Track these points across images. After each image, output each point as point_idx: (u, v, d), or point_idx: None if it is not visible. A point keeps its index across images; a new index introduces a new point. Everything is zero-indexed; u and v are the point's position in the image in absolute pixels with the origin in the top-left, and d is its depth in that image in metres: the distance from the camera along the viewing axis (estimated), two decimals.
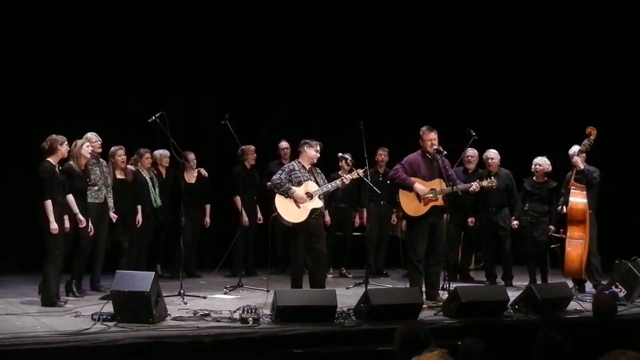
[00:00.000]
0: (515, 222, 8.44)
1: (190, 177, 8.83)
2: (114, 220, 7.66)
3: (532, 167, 8.29)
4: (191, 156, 8.76)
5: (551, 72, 10.99)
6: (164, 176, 8.67)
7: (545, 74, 11.01)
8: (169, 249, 8.79)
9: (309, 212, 7.00)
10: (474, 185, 7.39)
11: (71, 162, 6.93)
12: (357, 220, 9.45)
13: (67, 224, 6.77)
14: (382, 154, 9.36)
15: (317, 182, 7.16)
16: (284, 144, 9.32)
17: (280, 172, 7.20)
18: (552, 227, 8.11)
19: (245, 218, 8.86)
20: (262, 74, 10.18)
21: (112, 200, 7.65)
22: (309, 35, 10.31)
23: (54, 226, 6.48)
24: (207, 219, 9.04)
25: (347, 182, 7.29)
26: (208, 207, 9.05)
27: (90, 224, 7.12)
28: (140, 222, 8.04)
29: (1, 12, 8.71)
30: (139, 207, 8.06)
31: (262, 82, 10.18)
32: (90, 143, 7.34)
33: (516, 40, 10.94)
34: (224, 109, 8.16)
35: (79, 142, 7.01)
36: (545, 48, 10.96)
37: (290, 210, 6.99)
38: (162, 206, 8.47)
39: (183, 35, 9.61)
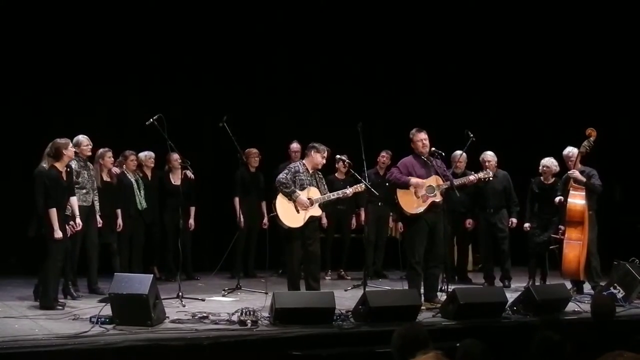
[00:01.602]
0: (527, 225, 8.35)
1: (176, 178, 8.78)
2: (100, 224, 7.61)
3: (540, 168, 8.24)
4: (174, 157, 8.59)
5: (553, 72, 10.97)
6: (149, 178, 8.60)
7: (547, 74, 10.99)
8: (161, 251, 8.77)
9: (306, 218, 6.99)
10: (472, 177, 7.40)
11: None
12: (355, 221, 9.43)
13: (78, 221, 6.78)
14: (385, 156, 9.30)
15: (318, 189, 7.15)
16: (295, 146, 9.08)
17: (286, 171, 7.13)
18: (562, 227, 7.95)
19: (242, 220, 8.80)
20: (262, 75, 10.18)
21: (98, 204, 7.59)
22: (310, 36, 10.29)
23: (58, 235, 6.42)
24: (192, 221, 8.88)
25: (349, 193, 7.30)
26: (193, 209, 8.91)
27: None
28: (121, 226, 8.01)
29: (1, 12, 8.71)
30: (119, 211, 8.03)
31: (261, 83, 10.17)
32: (81, 147, 7.31)
33: (519, 40, 10.93)
34: (223, 109, 8.14)
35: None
36: (546, 48, 10.94)
37: (289, 214, 6.98)
38: (148, 208, 8.41)
39: (183, 35, 9.61)
